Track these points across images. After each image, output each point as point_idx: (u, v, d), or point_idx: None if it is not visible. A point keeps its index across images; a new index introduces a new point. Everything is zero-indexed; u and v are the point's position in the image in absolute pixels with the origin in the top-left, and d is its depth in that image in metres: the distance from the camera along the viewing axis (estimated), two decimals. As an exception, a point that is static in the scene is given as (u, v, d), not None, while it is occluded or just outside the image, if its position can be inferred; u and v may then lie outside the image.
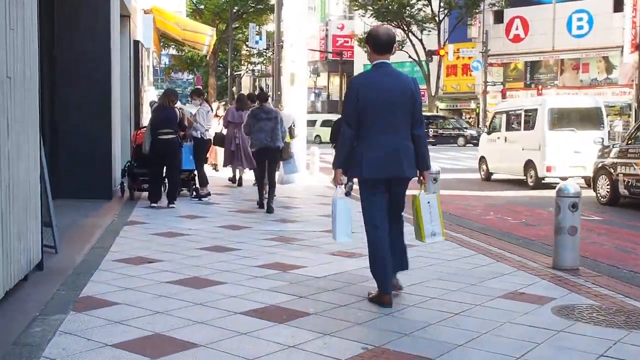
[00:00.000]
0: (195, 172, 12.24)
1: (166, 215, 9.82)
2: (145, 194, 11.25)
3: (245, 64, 59.10)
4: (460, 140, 42.19)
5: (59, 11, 10.89)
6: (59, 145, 10.91)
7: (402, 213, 5.46)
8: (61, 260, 6.41)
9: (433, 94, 49.46)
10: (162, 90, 11.92)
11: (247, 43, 52.23)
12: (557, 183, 16.25)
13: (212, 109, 12.36)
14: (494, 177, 18.75)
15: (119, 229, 8.33)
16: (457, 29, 49.00)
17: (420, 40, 48.22)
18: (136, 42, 16.01)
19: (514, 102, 21.09)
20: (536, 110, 16.43)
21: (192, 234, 8.22)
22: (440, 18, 48.74)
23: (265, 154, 10.73)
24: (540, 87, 49.94)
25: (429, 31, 48.75)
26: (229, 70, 42.61)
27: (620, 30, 46.53)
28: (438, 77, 49.49)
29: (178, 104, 11.35)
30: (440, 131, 43.21)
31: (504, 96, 51.89)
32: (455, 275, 6.35)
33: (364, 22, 52.45)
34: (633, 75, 46.80)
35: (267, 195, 10.74)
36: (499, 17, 52.22)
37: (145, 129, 11.18)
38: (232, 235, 8.24)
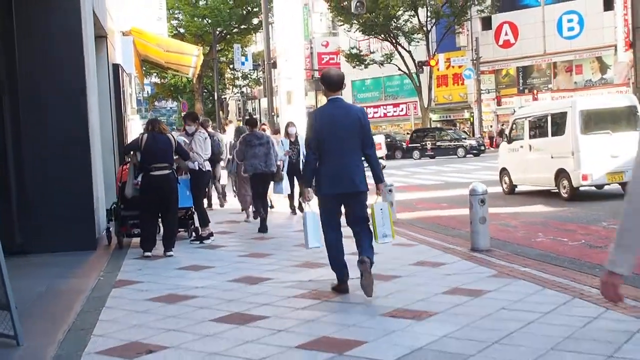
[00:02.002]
0: (194, 210, 10.50)
1: (164, 268, 8.03)
2: (137, 239, 9.46)
3: (230, 87, 57.38)
4: (460, 152, 40.58)
5: (21, 32, 9.15)
6: (28, 189, 9.13)
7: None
8: (24, 357, 4.62)
9: (426, 106, 47.94)
10: (151, 118, 10.11)
11: (231, 66, 50.60)
12: (595, 191, 14.54)
13: (209, 135, 10.59)
14: (518, 189, 17.05)
15: (105, 296, 6.52)
16: (446, 38, 47.67)
17: (409, 52, 46.79)
18: (115, 66, 14.27)
19: (535, 107, 19.47)
20: (565, 113, 14.77)
21: (200, 295, 6.43)
22: (428, 28, 47.34)
23: (260, 179, 11.20)
24: (535, 91, 48.66)
25: (417, 42, 47.34)
26: (215, 94, 40.79)
27: (612, 29, 45.42)
28: (430, 89, 48.02)
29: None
30: (439, 143, 41.59)
31: (499, 103, 50.67)
32: (578, 342, 4.61)
33: (349, 38, 51.00)
34: (629, 73, 45.63)
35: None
36: (487, 24, 51.00)
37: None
38: (251, 294, 6.46)
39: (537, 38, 48.39)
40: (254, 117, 12.88)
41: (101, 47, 12.86)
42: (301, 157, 11.92)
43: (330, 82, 6.41)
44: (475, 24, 50.88)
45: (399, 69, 47.71)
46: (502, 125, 45.78)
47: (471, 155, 39.86)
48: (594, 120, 14.61)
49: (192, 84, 45.32)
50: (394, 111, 56.81)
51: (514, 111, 50.41)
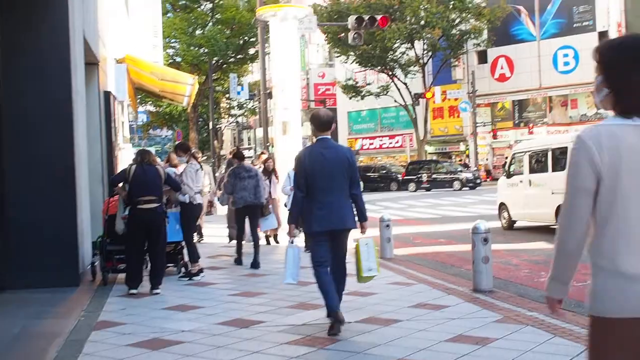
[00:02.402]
0: (183, 244, 10.07)
1: (150, 307, 7.58)
2: (123, 275, 9.01)
3: (226, 116, 57.13)
4: (456, 184, 40.24)
5: (7, 57, 8.78)
6: (9, 220, 8.68)
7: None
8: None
9: (422, 138, 47.74)
10: (140, 149, 9.69)
11: (227, 95, 50.42)
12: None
13: (202, 167, 10.17)
14: (517, 224, 16.67)
15: (84, 339, 6.05)
16: (442, 71, 47.69)
17: (405, 84, 46.74)
18: (107, 94, 13.91)
19: (535, 141, 19.17)
20: (567, 148, 14.43)
21: (186, 340, 5.98)
22: (424, 61, 47.33)
23: (248, 211, 11.17)
24: (531, 125, 48.56)
25: (414, 74, 47.31)
26: (210, 123, 40.47)
27: (607, 64, 45.44)
28: (425, 121, 47.89)
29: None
30: (434, 176, 41.24)
31: (495, 136, 50.52)
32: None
33: (345, 69, 50.97)
34: (624, 109, 45.64)
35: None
36: (483, 57, 51.13)
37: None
38: (241, 339, 6.01)
39: (532, 72, 48.50)
40: (242, 150, 12.75)
41: (92, 74, 12.52)
42: None
43: (319, 123, 6.62)
44: (471, 57, 50.98)
45: (395, 101, 47.63)
46: (506, 158, 45.63)
47: (467, 188, 39.53)
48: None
49: (187, 113, 45.05)
50: (390, 143, 56.64)
51: (510, 145, 50.55)
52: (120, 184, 8.82)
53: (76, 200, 9.11)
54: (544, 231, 15.36)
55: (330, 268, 6.49)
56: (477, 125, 48.68)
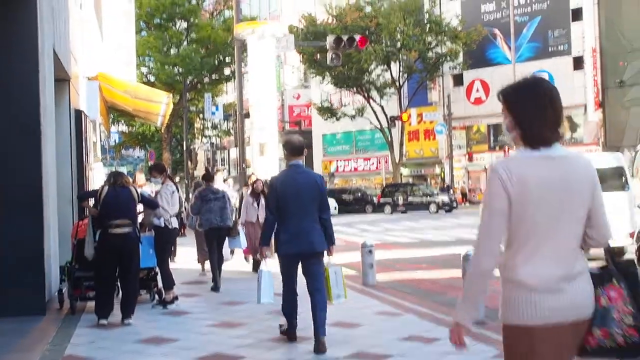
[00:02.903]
0: (157, 270, 9.54)
1: (121, 340, 7.03)
2: (93, 303, 8.44)
3: (200, 137, 56.43)
4: (432, 207, 40.00)
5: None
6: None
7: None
8: None
9: (397, 161, 47.50)
10: (112, 170, 9.14)
11: (201, 115, 49.81)
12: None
13: (178, 189, 9.64)
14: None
15: (48, 379, 5.53)
16: (418, 93, 47.61)
17: (381, 106, 46.57)
18: (78, 112, 13.36)
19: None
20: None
21: (160, 379, 5.49)
22: (400, 83, 47.25)
23: (215, 234, 11.04)
24: (507, 148, 48.60)
25: (389, 96, 47.18)
26: (184, 144, 39.78)
27: (582, 89, 45.82)
28: (401, 144, 47.69)
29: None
30: (410, 198, 40.96)
31: (470, 159, 50.49)
32: None
33: (321, 90, 50.77)
34: (598, 133, 45.86)
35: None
36: (458, 80, 51.21)
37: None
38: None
39: (508, 96, 48.54)
40: (211, 171, 12.72)
41: (63, 91, 11.97)
42: None
43: (292, 148, 6.87)
44: (447, 80, 51.05)
45: (371, 123, 47.42)
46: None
47: (443, 211, 39.29)
48: (582, 180, 13.97)
49: (160, 133, 44.36)
50: (365, 165, 56.40)
51: (485, 168, 50.52)
52: (91, 202, 8.27)
53: (43, 223, 8.56)
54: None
55: (310, 290, 6.70)
56: (453, 148, 48.62)
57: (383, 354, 6.30)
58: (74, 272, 8.70)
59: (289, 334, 6.85)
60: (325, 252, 6.88)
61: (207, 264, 11.78)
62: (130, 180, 8.71)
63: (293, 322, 6.84)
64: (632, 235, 13.77)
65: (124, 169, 41.58)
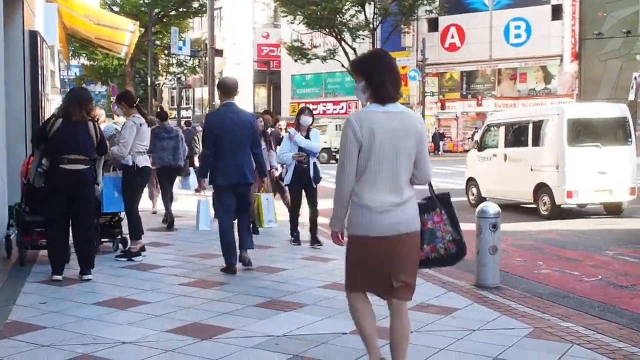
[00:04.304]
0: (122, 216, 8.35)
1: (78, 302, 5.85)
2: (45, 252, 7.24)
3: (164, 73, 54.30)
4: (404, 155, 38.99)
5: None
6: None
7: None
8: None
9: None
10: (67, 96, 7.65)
11: (166, 51, 47.70)
12: (577, 210, 12.98)
13: (148, 122, 8.28)
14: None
15: (-18, 356, 4.38)
16: (391, 37, 46.05)
17: (353, 49, 44.97)
18: (33, 34, 11.89)
19: (514, 112, 17.89)
20: (550, 121, 13.16)
21: (126, 356, 4.37)
22: (374, 25, 45.66)
23: (167, 172, 11.14)
24: (480, 97, 47.76)
25: (362, 39, 45.61)
26: (148, 79, 37.86)
27: (558, 39, 44.97)
28: (373, 88, 46.30)
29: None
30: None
31: (443, 107, 49.56)
32: None
33: (292, 30, 48.86)
34: (573, 84, 45.16)
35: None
36: (433, 25, 49.91)
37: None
38: (205, 353, 4.43)
39: (483, 43, 47.55)
40: (166, 112, 12.50)
41: (14, 9, 10.52)
42: (313, 161, 9.14)
43: (225, 88, 7.42)
44: (421, 25, 49.67)
45: (343, 66, 45.88)
46: (476, 129, 44.70)
47: (414, 159, 38.32)
48: (583, 131, 13.05)
49: (123, 67, 42.35)
50: (334, 109, 54.99)
51: (456, 116, 49.67)
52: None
53: (-12, 159, 7.28)
54: (517, 210, 14.11)
55: (237, 222, 7.48)
56: (426, 94, 47.56)
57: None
58: (23, 216, 7.49)
59: (228, 269, 7.21)
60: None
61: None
62: (95, 110, 7.40)
63: (231, 258, 7.23)
64: (632, 191, 12.93)
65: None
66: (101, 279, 6.79)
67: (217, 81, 10.69)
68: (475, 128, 44.40)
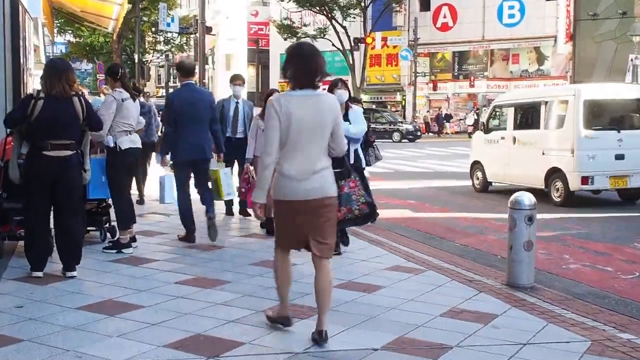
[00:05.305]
0: (110, 202, 7.55)
1: (60, 306, 5.06)
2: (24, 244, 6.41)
3: (151, 51, 53.02)
4: (396, 136, 38.36)
5: None
6: None
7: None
8: None
9: (358, 86, 45.31)
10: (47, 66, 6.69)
11: (153, 29, 46.48)
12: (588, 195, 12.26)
13: (133, 98, 7.36)
14: (492, 187, 14.67)
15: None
16: (383, 16, 45.06)
17: (344, 28, 44.00)
18: (15, 3, 11.01)
19: (525, 92, 17.12)
20: (565, 102, 12.41)
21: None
22: (366, 4, 44.64)
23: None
24: (472, 78, 46.98)
25: (353, 18, 44.62)
26: (135, 57, 36.69)
27: (553, 20, 44.22)
28: (364, 68, 45.43)
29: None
30: (373, 125, 38.93)
31: (435, 87, 48.77)
32: None
33: (281, 8, 47.72)
34: (566, 66, 44.46)
35: None
36: (425, 5, 49.09)
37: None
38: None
39: (476, 23, 46.73)
40: (138, 87, 11.36)
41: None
42: (354, 148, 7.50)
43: (184, 70, 7.85)
44: (413, 4, 48.78)
45: (333, 45, 44.91)
46: (477, 109, 43.90)
47: (406, 141, 37.68)
48: (600, 114, 12.32)
49: (110, 44, 41.20)
50: (324, 89, 53.58)
51: (448, 97, 48.90)
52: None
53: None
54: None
55: (199, 191, 7.88)
56: (418, 75, 46.73)
57: (438, 344, 4.52)
58: (1, 203, 6.67)
59: (187, 237, 7.65)
60: (216, 157, 8.09)
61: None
62: (77, 82, 6.53)
63: (191, 226, 7.69)
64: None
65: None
66: (87, 275, 5.99)
67: (209, 57, 10.04)
68: (477, 109, 43.78)
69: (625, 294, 6.39)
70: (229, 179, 8.30)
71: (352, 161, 7.16)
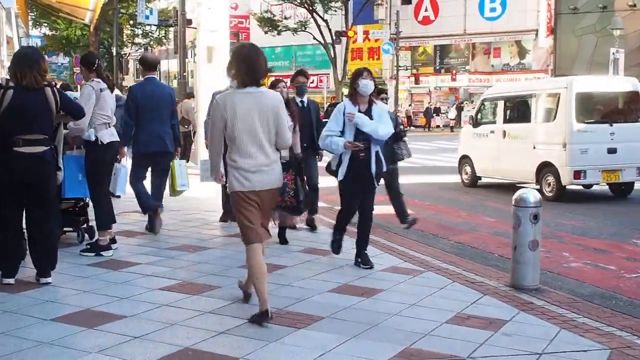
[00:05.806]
0: (88, 202, 7.12)
1: (33, 317, 4.64)
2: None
3: (129, 44, 52.18)
4: (379, 130, 37.95)
5: None
6: None
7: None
8: None
9: (340, 79, 44.92)
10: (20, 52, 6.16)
11: (131, 22, 45.72)
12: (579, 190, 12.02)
13: (111, 89, 6.88)
14: (481, 181, 14.38)
15: None
16: (364, 9, 44.69)
17: (325, 21, 43.60)
18: (-15, -8, 10.51)
19: (515, 85, 16.81)
20: (556, 95, 12.13)
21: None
22: (348, -4, 44.23)
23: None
24: (454, 72, 46.77)
25: (335, 11, 44.22)
26: (113, 50, 36.03)
27: (534, 14, 44.09)
28: (345, 61, 45.04)
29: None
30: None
31: (417, 81, 48.45)
32: None
33: (261, 1, 47.21)
34: (547, 60, 44.38)
35: None
36: (407, -2, 48.66)
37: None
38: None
39: (457, 17, 46.50)
40: (112, 80, 10.52)
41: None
42: (375, 149, 6.36)
43: (147, 64, 8.04)
44: (395, -4, 48.48)
45: (314, 38, 44.49)
46: (460, 103, 43.64)
47: (389, 135, 37.32)
48: (592, 107, 12.06)
49: (86, 37, 40.43)
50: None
51: (430, 91, 48.70)
52: None
53: None
54: (514, 190, 13.10)
55: (154, 184, 8.11)
56: (400, 68, 46.43)
57: (451, 354, 4.16)
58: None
59: (151, 226, 7.87)
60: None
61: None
62: (48, 72, 6.05)
63: (149, 204, 7.84)
64: (644, 171, 12.01)
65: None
66: (64, 282, 5.55)
67: (190, 51, 9.87)
68: (460, 103, 43.63)
69: (632, 295, 6.10)
70: (184, 170, 8.34)
71: (373, 167, 6.33)
